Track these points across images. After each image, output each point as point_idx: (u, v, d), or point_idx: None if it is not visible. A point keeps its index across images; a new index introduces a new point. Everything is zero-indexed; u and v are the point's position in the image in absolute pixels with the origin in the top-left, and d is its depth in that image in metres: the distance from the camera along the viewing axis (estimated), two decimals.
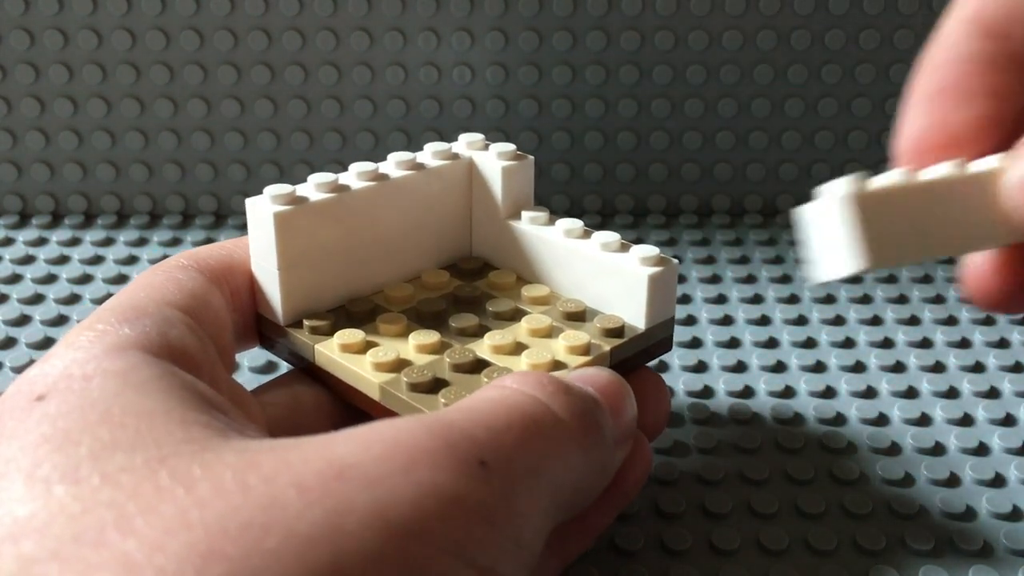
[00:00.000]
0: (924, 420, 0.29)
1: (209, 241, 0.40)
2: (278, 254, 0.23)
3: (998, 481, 0.27)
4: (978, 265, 0.20)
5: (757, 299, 0.36)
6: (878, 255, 0.17)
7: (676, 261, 0.24)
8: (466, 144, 0.27)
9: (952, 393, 0.31)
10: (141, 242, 0.40)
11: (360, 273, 0.25)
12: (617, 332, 0.24)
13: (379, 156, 0.26)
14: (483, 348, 0.23)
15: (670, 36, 0.40)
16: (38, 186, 0.42)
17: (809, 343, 0.33)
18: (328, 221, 0.24)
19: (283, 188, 0.23)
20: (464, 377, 0.22)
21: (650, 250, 0.24)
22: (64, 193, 0.42)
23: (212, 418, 0.18)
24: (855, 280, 0.37)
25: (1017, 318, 0.34)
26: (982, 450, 0.28)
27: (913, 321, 0.35)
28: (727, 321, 0.35)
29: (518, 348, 0.23)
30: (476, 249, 0.28)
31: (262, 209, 0.23)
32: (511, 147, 0.26)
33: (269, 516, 0.15)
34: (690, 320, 0.35)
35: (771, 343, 0.33)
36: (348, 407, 0.23)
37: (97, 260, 0.39)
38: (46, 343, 0.33)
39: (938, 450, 0.28)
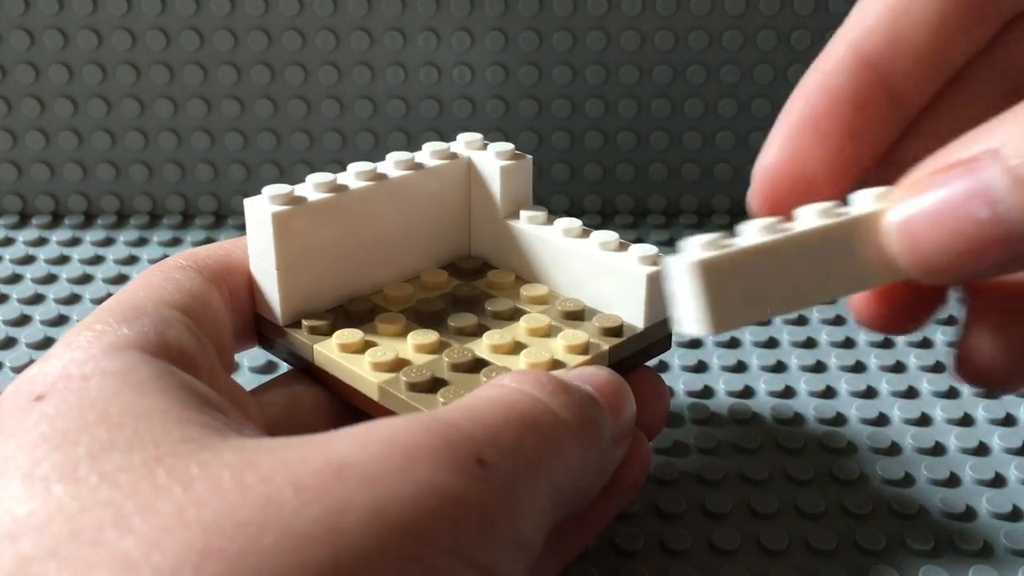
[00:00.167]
0: (924, 420, 0.29)
1: (209, 241, 0.40)
2: (277, 254, 0.23)
3: (998, 481, 0.27)
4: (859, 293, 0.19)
5: None
6: (722, 322, 0.17)
7: None
8: (464, 144, 0.27)
9: (952, 393, 0.31)
10: (141, 242, 0.40)
11: (359, 273, 0.25)
12: (616, 331, 0.24)
13: (379, 156, 0.26)
14: (482, 347, 0.23)
15: (670, 36, 0.40)
16: (38, 186, 0.42)
17: (809, 343, 0.33)
18: (327, 221, 0.24)
19: (281, 188, 0.23)
20: (463, 376, 0.22)
21: (649, 249, 0.24)
22: (64, 193, 0.42)
23: (210, 418, 0.18)
24: None
25: None
26: (982, 450, 0.28)
27: None
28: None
29: (517, 347, 0.23)
30: (475, 249, 0.28)
31: (260, 209, 0.23)
32: (509, 147, 0.26)
33: (266, 514, 0.15)
34: None
35: (771, 343, 0.33)
36: (347, 407, 0.23)
37: (97, 260, 0.39)
38: (46, 343, 0.33)
39: (938, 450, 0.28)
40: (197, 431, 0.17)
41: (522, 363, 0.22)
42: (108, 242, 0.40)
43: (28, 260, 0.38)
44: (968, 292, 0.18)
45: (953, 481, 0.27)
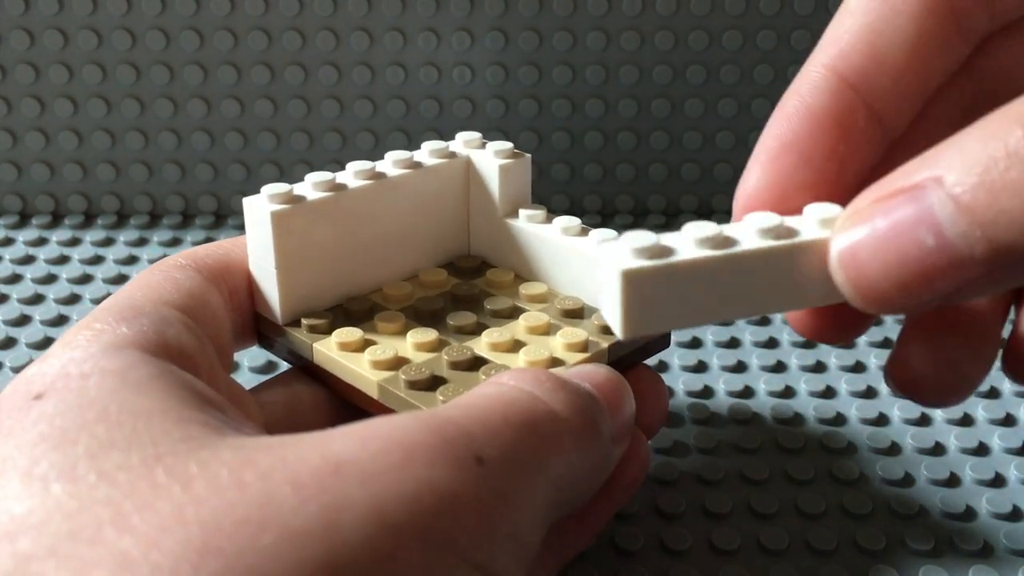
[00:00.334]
0: (924, 420, 0.29)
1: (209, 241, 0.40)
2: (276, 253, 0.23)
3: (998, 481, 0.27)
4: None
5: None
6: (635, 330, 0.17)
7: None
8: (463, 143, 0.27)
9: None
10: (141, 242, 0.40)
11: (358, 272, 0.25)
12: None
13: (379, 156, 0.26)
14: (481, 346, 0.23)
15: (670, 36, 0.40)
16: (38, 186, 0.42)
17: (809, 343, 0.33)
18: (326, 220, 0.24)
19: (280, 187, 0.23)
20: (462, 375, 0.22)
21: None
22: (64, 193, 0.42)
23: (209, 416, 0.18)
24: None
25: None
26: (982, 450, 0.28)
27: None
28: (727, 321, 0.35)
29: (516, 345, 0.23)
30: (474, 247, 0.28)
31: (259, 208, 0.23)
32: (508, 145, 0.26)
33: (265, 513, 0.15)
34: None
35: (771, 343, 0.33)
36: (346, 405, 0.23)
37: (97, 260, 0.39)
38: (46, 343, 0.33)
39: (938, 450, 0.28)
40: (196, 430, 0.17)
41: (521, 361, 0.22)
42: (108, 242, 0.40)
43: (28, 260, 0.38)
44: None
45: (953, 481, 0.27)
